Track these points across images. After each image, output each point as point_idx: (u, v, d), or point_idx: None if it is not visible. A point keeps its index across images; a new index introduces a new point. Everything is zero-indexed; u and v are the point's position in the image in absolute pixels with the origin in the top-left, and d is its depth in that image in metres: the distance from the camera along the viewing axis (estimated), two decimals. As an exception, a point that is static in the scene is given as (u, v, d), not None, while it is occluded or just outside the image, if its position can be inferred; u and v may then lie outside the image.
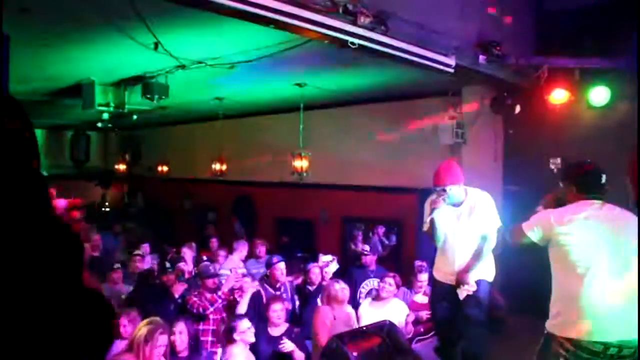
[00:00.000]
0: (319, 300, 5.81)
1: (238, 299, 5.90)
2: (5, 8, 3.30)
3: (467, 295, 4.52)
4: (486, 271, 4.64)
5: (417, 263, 6.46)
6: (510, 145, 7.11)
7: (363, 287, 6.63)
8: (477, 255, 4.53)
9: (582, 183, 3.60)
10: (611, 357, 3.21)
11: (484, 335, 4.61)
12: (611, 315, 3.24)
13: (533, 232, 3.54)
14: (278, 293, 6.04)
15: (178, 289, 6.13)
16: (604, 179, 3.60)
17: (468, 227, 4.56)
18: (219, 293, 5.71)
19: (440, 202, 4.43)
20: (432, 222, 4.55)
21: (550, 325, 3.43)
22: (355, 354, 4.42)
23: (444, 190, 4.46)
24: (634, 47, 5.40)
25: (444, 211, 4.54)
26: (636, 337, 3.16)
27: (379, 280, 6.27)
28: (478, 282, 4.54)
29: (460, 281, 4.53)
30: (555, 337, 3.36)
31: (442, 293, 4.75)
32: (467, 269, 4.52)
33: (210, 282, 5.70)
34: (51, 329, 0.83)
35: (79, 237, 0.94)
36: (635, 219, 3.42)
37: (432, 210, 4.49)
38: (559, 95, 6.24)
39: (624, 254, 3.33)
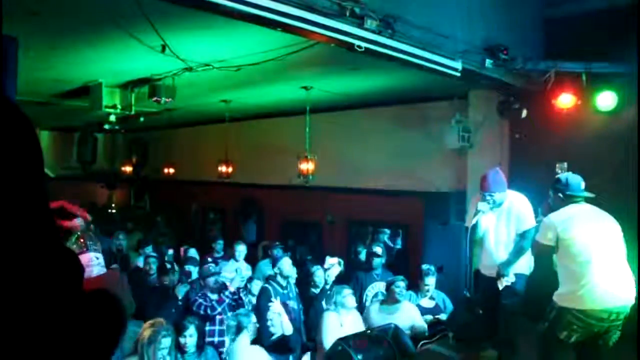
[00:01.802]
0: (323, 303, 5.81)
1: (244, 299, 5.92)
2: (15, 11, 3.32)
3: (506, 286, 4.97)
4: (523, 265, 5.08)
5: (424, 267, 6.45)
6: (517, 149, 7.08)
7: (369, 291, 6.62)
8: (516, 251, 4.99)
9: (565, 190, 4.48)
10: (611, 321, 4.14)
11: (517, 323, 5.12)
12: (610, 289, 4.14)
13: (547, 238, 4.34)
14: (285, 292, 6.06)
15: (180, 291, 6.15)
16: (582, 184, 4.52)
17: (507, 225, 5.05)
18: (227, 293, 5.71)
19: (487, 206, 4.97)
20: (474, 223, 5.08)
21: (564, 301, 4.21)
22: (360, 356, 4.42)
23: (491, 196, 4.95)
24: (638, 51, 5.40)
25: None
26: (626, 304, 4.15)
27: (385, 283, 6.26)
28: (516, 275, 4.99)
29: (500, 274, 4.95)
30: (569, 310, 4.15)
31: (484, 285, 5.24)
32: (507, 263, 4.98)
33: (211, 282, 5.71)
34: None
35: (77, 259, 0.94)
36: (608, 215, 4.41)
37: (477, 212, 5.00)
38: (565, 100, 6.21)
39: (611, 241, 4.27)
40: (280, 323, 5.39)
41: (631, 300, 4.19)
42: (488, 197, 4.97)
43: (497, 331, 5.16)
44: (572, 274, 4.23)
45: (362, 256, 7.84)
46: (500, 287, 4.97)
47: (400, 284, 5.86)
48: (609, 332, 4.22)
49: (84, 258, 1.28)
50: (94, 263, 1.28)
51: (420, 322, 5.82)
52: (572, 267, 4.23)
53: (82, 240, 1.29)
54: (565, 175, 4.68)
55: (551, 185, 4.66)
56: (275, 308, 5.43)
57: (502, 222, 5.08)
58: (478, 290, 5.39)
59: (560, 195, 4.51)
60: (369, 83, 7.64)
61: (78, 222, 1.27)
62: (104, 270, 1.31)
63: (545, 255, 4.59)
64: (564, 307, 4.21)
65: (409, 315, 5.79)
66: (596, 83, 6.11)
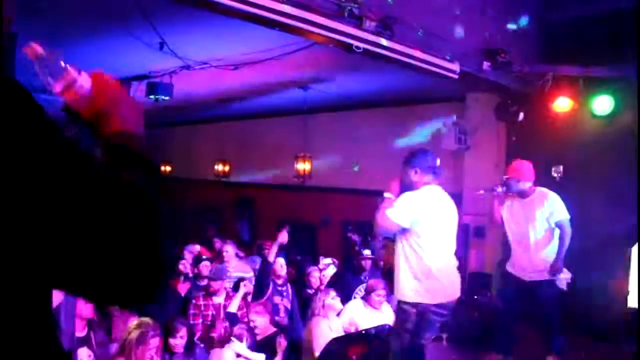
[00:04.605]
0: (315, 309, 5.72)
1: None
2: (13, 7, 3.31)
3: (540, 296, 5.00)
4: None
5: None
6: (513, 152, 7.09)
7: (357, 293, 6.58)
8: (562, 244, 4.95)
9: (425, 165, 4.07)
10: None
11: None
12: (454, 276, 4.05)
13: (402, 218, 3.89)
14: (283, 289, 6.03)
15: (182, 289, 6.11)
16: (438, 162, 4.17)
17: (537, 219, 5.03)
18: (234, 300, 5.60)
19: (504, 191, 5.15)
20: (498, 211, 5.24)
21: (423, 297, 3.84)
22: (354, 357, 4.42)
23: (517, 182, 5.06)
24: (637, 56, 5.42)
25: (513, 206, 5.19)
26: None
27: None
28: (546, 283, 4.99)
29: (555, 271, 4.92)
30: (429, 307, 3.83)
31: (514, 289, 5.24)
32: (558, 258, 4.93)
33: (217, 285, 5.58)
34: None
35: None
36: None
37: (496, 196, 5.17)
38: (562, 104, 6.24)
39: (450, 230, 4.05)
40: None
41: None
42: (512, 183, 5.08)
43: (514, 339, 5.17)
44: (425, 267, 3.86)
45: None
46: (563, 287, 4.96)
47: (381, 293, 5.76)
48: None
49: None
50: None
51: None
52: (420, 261, 3.87)
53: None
54: (422, 148, 4.36)
55: (407, 159, 4.21)
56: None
57: (535, 215, 5.06)
58: (506, 292, 5.44)
59: (418, 171, 4.05)
60: (366, 84, 7.64)
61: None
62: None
63: (387, 234, 4.23)
64: (417, 303, 3.86)
65: (389, 314, 5.76)
66: (593, 87, 6.13)
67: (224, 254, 7.29)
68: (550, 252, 5.02)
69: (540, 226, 5.06)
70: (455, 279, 4.06)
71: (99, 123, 1.13)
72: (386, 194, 4.12)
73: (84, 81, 1.17)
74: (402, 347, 3.91)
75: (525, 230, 5.13)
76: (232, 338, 4.71)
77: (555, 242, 5.02)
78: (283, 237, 6.38)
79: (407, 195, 3.96)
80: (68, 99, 1.16)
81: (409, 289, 3.91)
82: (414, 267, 3.89)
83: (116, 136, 1.09)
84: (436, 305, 3.85)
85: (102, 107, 1.15)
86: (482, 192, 5.57)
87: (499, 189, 5.25)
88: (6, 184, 0.76)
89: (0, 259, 0.78)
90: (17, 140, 0.79)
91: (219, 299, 5.52)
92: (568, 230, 4.95)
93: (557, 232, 5.03)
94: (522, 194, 5.16)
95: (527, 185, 5.14)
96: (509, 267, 5.36)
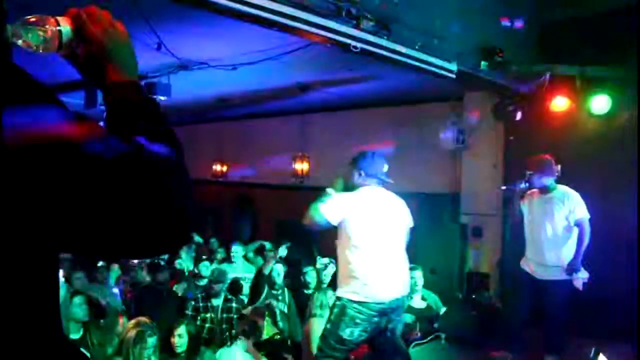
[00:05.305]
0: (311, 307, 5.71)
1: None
2: (7, 5, 3.31)
3: (550, 295, 5.00)
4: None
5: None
6: (511, 151, 7.10)
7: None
8: (580, 243, 4.95)
9: (367, 168, 4.10)
10: (392, 311, 4.01)
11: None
12: (389, 280, 3.96)
13: (331, 214, 3.94)
14: (278, 292, 6.03)
15: (179, 288, 6.11)
16: (386, 167, 4.20)
17: (556, 216, 5.06)
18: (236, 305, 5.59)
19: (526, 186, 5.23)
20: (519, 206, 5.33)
21: (347, 293, 3.90)
22: (352, 357, 4.42)
23: (531, 174, 5.13)
24: (635, 56, 5.42)
25: (533, 202, 5.25)
26: (402, 295, 4.09)
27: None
28: (558, 283, 5.00)
29: (572, 270, 4.92)
30: (352, 304, 3.86)
31: (525, 287, 5.29)
32: (576, 257, 4.95)
33: (218, 287, 5.57)
34: None
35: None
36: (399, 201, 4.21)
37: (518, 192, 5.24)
38: (560, 103, 6.24)
39: (394, 231, 4.07)
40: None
41: (404, 291, 4.14)
42: (535, 179, 5.13)
43: (520, 338, 5.17)
44: (362, 265, 3.92)
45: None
46: (579, 286, 4.93)
47: None
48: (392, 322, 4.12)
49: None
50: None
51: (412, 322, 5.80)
52: (358, 255, 3.93)
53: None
54: (371, 152, 4.32)
55: (355, 160, 4.23)
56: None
57: (554, 212, 5.07)
58: (516, 290, 5.52)
59: (362, 174, 4.11)
60: (364, 84, 7.63)
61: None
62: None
63: (313, 228, 4.20)
64: (349, 299, 3.91)
65: None
66: (591, 86, 6.13)
67: (233, 254, 7.33)
68: (566, 251, 5.03)
69: (558, 224, 5.07)
70: (392, 283, 4.00)
71: (97, 73, 1.12)
72: (328, 190, 4.11)
73: (67, 29, 1.12)
74: (324, 332, 4.05)
75: (543, 226, 5.15)
76: (240, 336, 4.72)
77: (572, 241, 5.02)
78: (282, 252, 6.40)
79: (342, 195, 4.01)
80: (66, 56, 1.13)
81: (338, 283, 4.06)
82: (342, 267, 4.02)
83: (114, 88, 1.10)
84: (359, 303, 3.87)
85: (92, 54, 1.14)
86: (504, 188, 5.60)
87: (522, 186, 5.26)
88: (20, 164, 0.78)
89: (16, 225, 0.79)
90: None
91: (217, 301, 5.52)
92: (587, 229, 4.95)
93: (575, 231, 5.03)
94: (543, 190, 5.18)
95: (549, 181, 5.17)
96: (522, 264, 5.36)
